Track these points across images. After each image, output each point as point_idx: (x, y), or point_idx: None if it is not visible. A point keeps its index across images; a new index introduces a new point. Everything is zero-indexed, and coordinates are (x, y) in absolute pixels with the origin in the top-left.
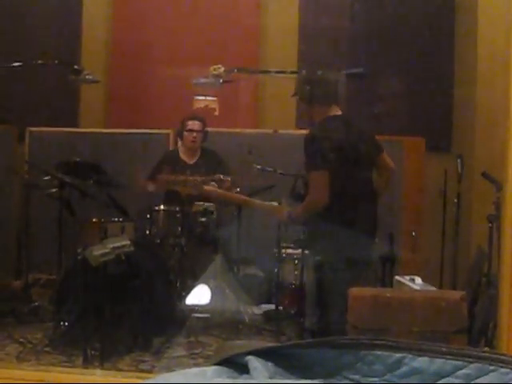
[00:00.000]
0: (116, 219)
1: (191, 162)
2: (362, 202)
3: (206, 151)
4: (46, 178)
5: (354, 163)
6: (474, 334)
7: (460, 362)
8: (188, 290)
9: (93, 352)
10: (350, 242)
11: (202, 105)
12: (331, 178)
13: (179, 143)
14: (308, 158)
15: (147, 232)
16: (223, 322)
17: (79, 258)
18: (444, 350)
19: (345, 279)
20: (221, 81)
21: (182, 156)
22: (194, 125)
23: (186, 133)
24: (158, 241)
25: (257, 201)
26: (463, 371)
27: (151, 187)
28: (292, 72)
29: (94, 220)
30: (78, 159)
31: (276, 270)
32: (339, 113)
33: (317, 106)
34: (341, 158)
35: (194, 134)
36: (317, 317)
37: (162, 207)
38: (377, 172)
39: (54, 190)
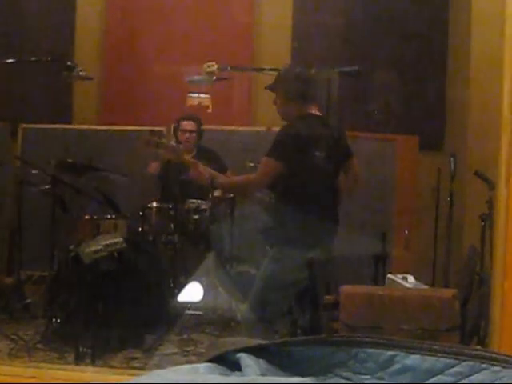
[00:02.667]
0: (109, 216)
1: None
2: (322, 202)
3: (202, 149)
4: (34, 171)
5: (321, 165)
6: (466, 332)
7: (452, 360)
8: (180, 288)
9: (85, 349)
10: (304, 241)
11: (195, 102)
12: (295, 176)
13: (173, 141)
14: (271, 145)
15: (140, 229)
16: (216, 319)
17: (72, 254)
18: (436, 347)
19: (304, 276)
20: (214, 78)
21: None
22: (187, 125)
23: (180, 132)
24: (151, 238)
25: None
26: (455, 369)
27: (153, 168)
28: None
29: (86, 217)
30: (70, 160)
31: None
32: (316, 113)
33: (294, 103)
34: (305, 156)
35: (187, 135)
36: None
37: (154, 204)
38: (344, 176)
39: (46, 187)
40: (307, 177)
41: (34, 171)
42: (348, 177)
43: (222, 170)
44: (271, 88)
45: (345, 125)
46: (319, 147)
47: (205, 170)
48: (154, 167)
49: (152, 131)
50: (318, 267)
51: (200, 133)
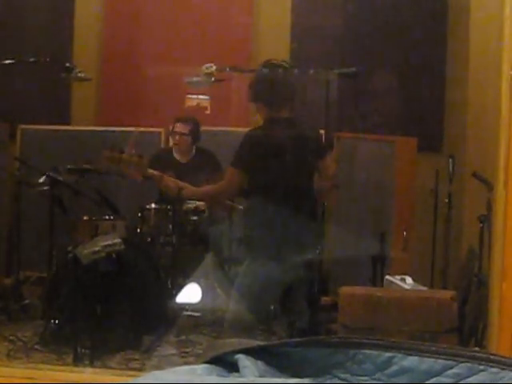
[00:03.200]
0: (107, 217)
1: (184, 161)
2: (295, 206)
3: (200, 151)
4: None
5: (290, 169)
6: (464, 333)
7: (450, 362)
8: (179, 289)
9: (83, 350)
10: (283, 246)
11: (193, 103)
12: (264, 182)
13: (170, 141)
14: (235, 152)
15: (138, 230)
16: (214, 320)
17: (70, 255)
18: (434, 349)
19: (281, 281)
20: (213, 79)
21: (176, 155)
22: (180, 127)
23: (173, 134)
24: (149, 239)
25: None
26: (453, 370)
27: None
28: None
29: (85, 218)
30: (69, 167)
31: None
32: (284, 115)
33: (260, 106)
34: (269, 161)
35: (177, 137)
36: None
37: (153, 206)
38: (318, 177)
39: (45, 188)
40: (272, 181)
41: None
42: (322, 177)
43: (217, 170)
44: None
45: (316, 125)
46: (283, 151)
47: (172, 182)
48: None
49: (112, 148)
50: (297, 270)
51: (196, 135)
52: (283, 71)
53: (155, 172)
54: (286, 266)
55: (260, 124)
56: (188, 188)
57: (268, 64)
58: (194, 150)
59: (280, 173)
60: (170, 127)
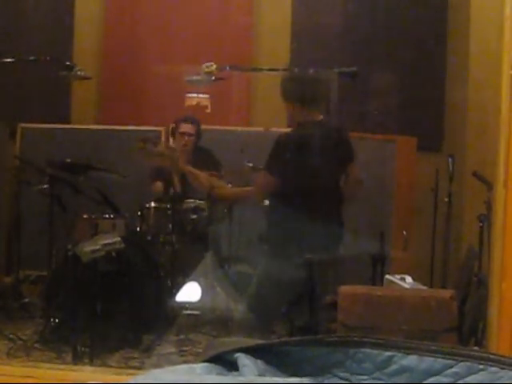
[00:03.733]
0: (107, 216)
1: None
2: (320, 207)
3: (200, 150)
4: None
5: (316, 171)
6: (464, 332)
7: (449, 361)
8: (178, 287)
9: (83, 349)
10: (309, 245)
11: (193, 102)
12: (293, 184)
13: (171, 141)
14: (268, 156)
15: (138, 229)
16: (213, 319)
17: (70, 254)
18: (433, 348)
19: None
20: (213, 78)
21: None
22: (186, 127)
23: (178, 135)
24: (149, 238)
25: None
26: (452, 370)
27: (160, 187)
28: (284, 70)
29: (84, 216)
30: (69, 160)
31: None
32: (318, 118)
33: (296, 107)
34: (301, 165)
35: (186, 138)
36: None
37: (152, 204)
38: (345, 181)
39: (45, 186)
40: (303, 184)
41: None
42: (349, 181)
43: (216, 169)
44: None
45: (347, 128)
46: (316, 155)
47: (204, 179)
48: (158, 187)
49: (145, 138)
50: (317, 270)
51: (199, 135)
52: (310, 72)
53: (187, 166)
54: (301, 266)
55: (294, 127)
56: (221, 187)
57: (297, 69)
58: (195, 149)
59: (312, 177)
60: (171, 126)
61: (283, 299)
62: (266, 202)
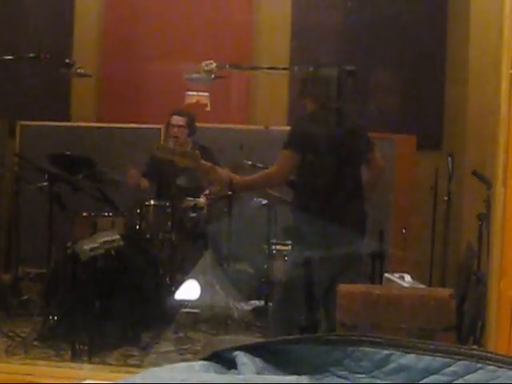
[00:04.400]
0: (106, 214)
1: None
2: (347, 196)
3: (197, 146)
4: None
5: (341, 157)
6: (462, 331)
7: (447, 360)
8: (177, 286)
9: (81, 346)
10: (333, 236)
11: (193, 100)
12: (315, 168)
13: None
14: (289, 134)
15: (137, 227)
16: (212, 317)
17: (69, 252)
18: (432, 347)
19: (328, 274)
20: (212, 76)
21: None
22: (177, 120)
23: (170, 127)
24: (148, 236)
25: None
26: (451, 368)
27: (145, 184)
28: (284, 68)
29: (84, 214)
30: (68, 153)
31: (266, 266)
32: (332, 106)
33: (312, 99)
34: (325, 149)
35: (176, 129)
36: (304, 312)
37: (152, 202)
38: (366, 169)
39: (44, 184)
40: (326, 170)
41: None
42: (370, 170)
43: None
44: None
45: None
46: (342, 140)
47: (223, 173)
48: (143, 184)
49: (166, 138)
50: (343, 265)
51: (192, 128)
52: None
53: (208, 163)
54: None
55: (311, 112)
56: (238, 179)
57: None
58: (190, 146)
59: (332, 160)
60: (167, 120)
61: (313, 297)
62: (264, 202)
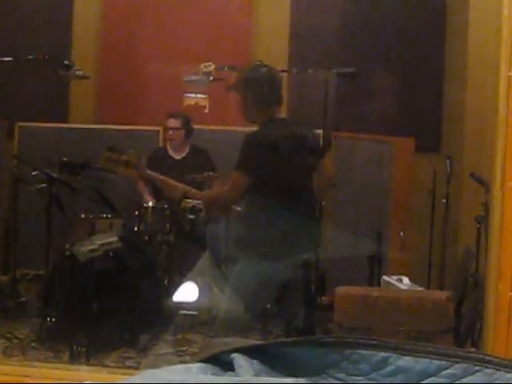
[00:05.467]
0: (104, 215)
1: (178, 157)
2: (297, 206)
3: (195, 148)
4: (34, 173)
5: (293, 171)
6: (460, 334)
7: (445, 362)
8: (175, 287)
9: (79, 348)
10: (279, 246)
11: (192, 102)
12: (265, 179)
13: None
14: (238, 156)
15: (135, 229)
16: (210, 319)
17: (67, 253)
18: (429, 349)
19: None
20: (211, 78)
21: (170, 152)
22: (171, 122)
23: (166, 130)
24: (146, 238)
25: (164, 179)
26: (448, 371)
27: (141, 186)
28: (282, 71)
29: (82, 216)
30: (65, 159)
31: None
32: (281, 116)
33: (259, 106)
34: (277, 162)
35: (170, 132)
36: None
37: (150, 204)
38: (317, 177)
39: (42, 185)
40: (277, 184)
41: (33, 173)
42: (322, 177)
43: (210, 167)
44: (233, 89)
45: (319, 124)
46: (287, 152)
47: (173, 185)
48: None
49: (110, 147)
50: (296, 269)
51: (188, 129)
52: (272, 72)
53: (154, 174)
54: (285, 266)
55: (259, 126)
56: (191, 192)
57: (256, 66)
58: (188, 148)
59: (283, 174)
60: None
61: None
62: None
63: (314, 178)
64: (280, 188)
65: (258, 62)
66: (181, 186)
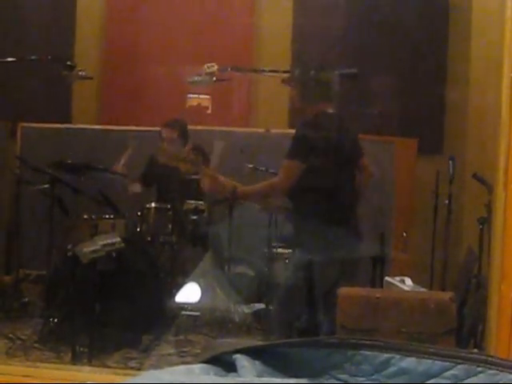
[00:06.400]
0: (107, 216)
1: None
2: (346, 202)
3: (193, 147)
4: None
5: (339, 161)
6: (463, 335)
7: (448, 363)
8: (178, 288)
9: (81, 349)
10: (332, 240)
11: (194, 103)
12: (314, 174)
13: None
14: (291, 144)
15: (138, 229)
16: (213, 320)
17: (69, 254)
18: (432, 350)
19: (328, 277)
20: (214, 79)
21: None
22: (167, 132)
23: (161, 141)
24: (149, 238)
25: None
26: (451, 372)
27: (138, 188)
28: (285, 71)
29: (84, 217)
30: (69, 161)
31: (266, 269)
32: (331, 111)
33: (312, 102)
34: (327, 155)
35: (165, 144)
36: (305, 316)
37: (153, 205)
38: (358, 175)
39: (45, 186)
40: (328, 177)
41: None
42: (362, 175)
43: (205, 163)
44: (289, 83)
45: (355, 124)
46: (337, 146)
47: (226, 182)
48: (135, 188)
49: (195, 147)
50: (342, 270)
51: (185, 137)
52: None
53: (210, 171)
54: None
55: (310, 118)
56: (241, 188)
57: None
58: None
59: (333, 168)
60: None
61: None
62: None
63: (355, 173)
64: (330, 180)
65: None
66: (230, 182)
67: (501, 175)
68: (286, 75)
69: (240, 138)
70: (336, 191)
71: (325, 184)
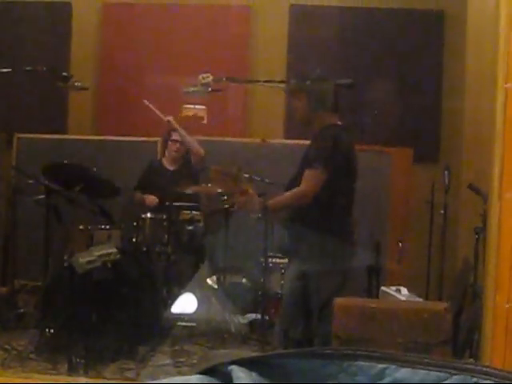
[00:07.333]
0: (103, 226)
1: (173, 168)
2: (347, 211)
3: (186, 157)
4: (30, 181)
5: (347, 172)
6: (458, 345)
7: (443, 374)
8: (174, 299)
9: (78, 359)
10: (331, 250)
11: (190, 113)
12: (329, 184)
13: (165, 151)
14: (316, 153)
15: (134, 240)
16: (209, 330)
17: (65, 264)
18: (427, 361)
19: (327, 287)
20: (209, 89)
21: (165, 163)
22: (177, 135)
23: (170, 142)
24: (145, 249)
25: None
26: (446, 382)
27: (139, 197)
28: (280, 81)
29: (80, 227)
30: (65, 161)
31: (262, 279)
32: (340, 122)
33: (321, 113)
34: (339, 165)
35: (178, 145)
36: (301, 326)
37: (148, 215)
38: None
39: (41, 197)
40: (340, 188)
41: (29, 181)
42: None
43: (194, 177)
44: (294, 94)
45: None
46: (350, 157)
47: (256, 198)
48: (151, 200)
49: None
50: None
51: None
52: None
53: (247, 188)
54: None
55: (325, 128)
56: (270, 202)
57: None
58: (181, 159)
59: (348, 174)
60: (164, 135)
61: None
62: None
63: (355, 184)
64: (343, 188)
65: (317, 71)
66: (258, 198)
67: (495, 185)
68: (282, 85)
69: (235, 147)
70: (342, 201)
71: (336, 194)
